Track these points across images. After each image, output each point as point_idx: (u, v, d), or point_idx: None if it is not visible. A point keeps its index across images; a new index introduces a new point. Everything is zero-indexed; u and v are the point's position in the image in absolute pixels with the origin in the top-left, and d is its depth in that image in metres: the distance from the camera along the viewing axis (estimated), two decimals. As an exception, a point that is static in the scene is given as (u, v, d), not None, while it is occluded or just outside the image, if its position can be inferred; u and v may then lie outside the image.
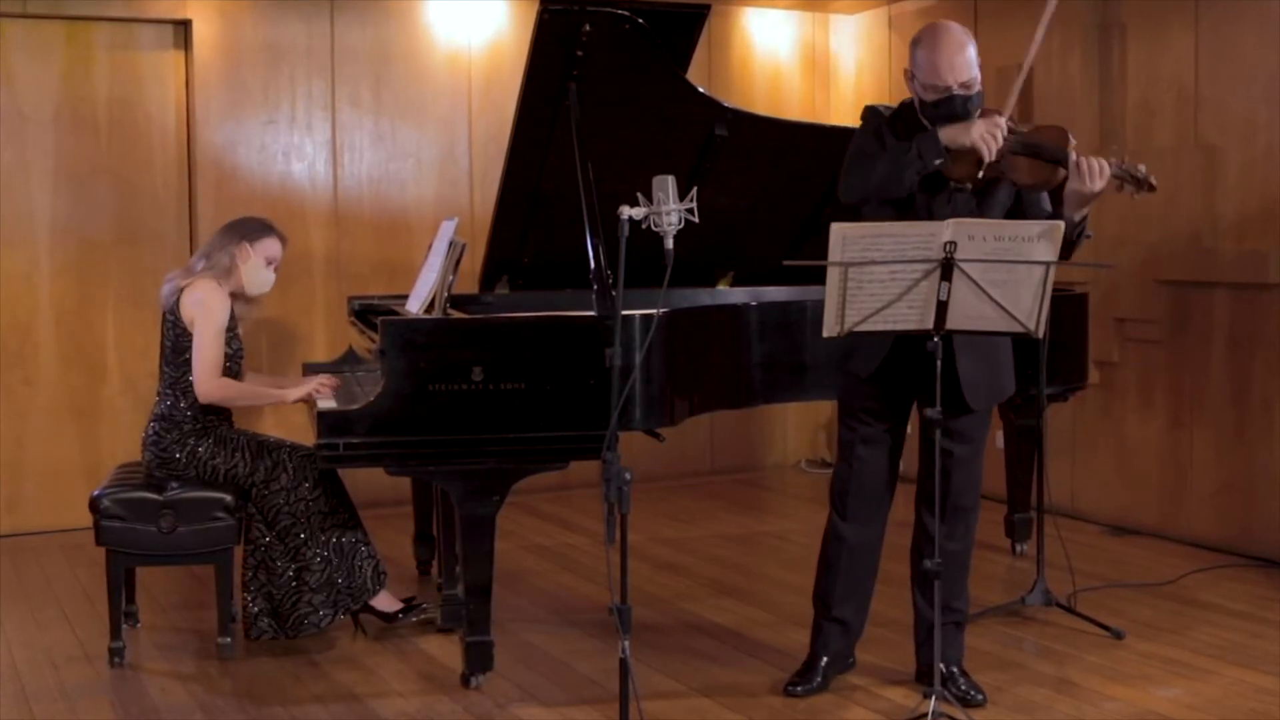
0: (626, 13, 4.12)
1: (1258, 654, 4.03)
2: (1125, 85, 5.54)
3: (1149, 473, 5.51)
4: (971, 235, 3.19)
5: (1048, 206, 3.49)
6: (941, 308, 3.24)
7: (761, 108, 6.28)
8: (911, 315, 3.27)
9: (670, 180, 3.03)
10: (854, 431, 3.66)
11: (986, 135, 3.31)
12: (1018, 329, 3.27)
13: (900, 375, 3.55)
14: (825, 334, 3.30)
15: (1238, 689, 3.75)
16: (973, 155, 3.37)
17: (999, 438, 5.43)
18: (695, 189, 3.06)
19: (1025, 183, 3.43)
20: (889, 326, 3.29)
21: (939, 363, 3.29)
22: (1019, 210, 3.49)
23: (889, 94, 6.53)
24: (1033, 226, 3.22)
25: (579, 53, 4.10)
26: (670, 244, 3.02)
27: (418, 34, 6.18)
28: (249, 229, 4.23)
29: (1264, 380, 5.06)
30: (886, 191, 3.42)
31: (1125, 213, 5.49)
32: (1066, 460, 5.75)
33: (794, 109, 6.94)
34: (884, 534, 3.74)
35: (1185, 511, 5.37)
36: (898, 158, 3.39)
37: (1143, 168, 3.41)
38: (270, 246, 4.23)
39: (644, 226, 3.03)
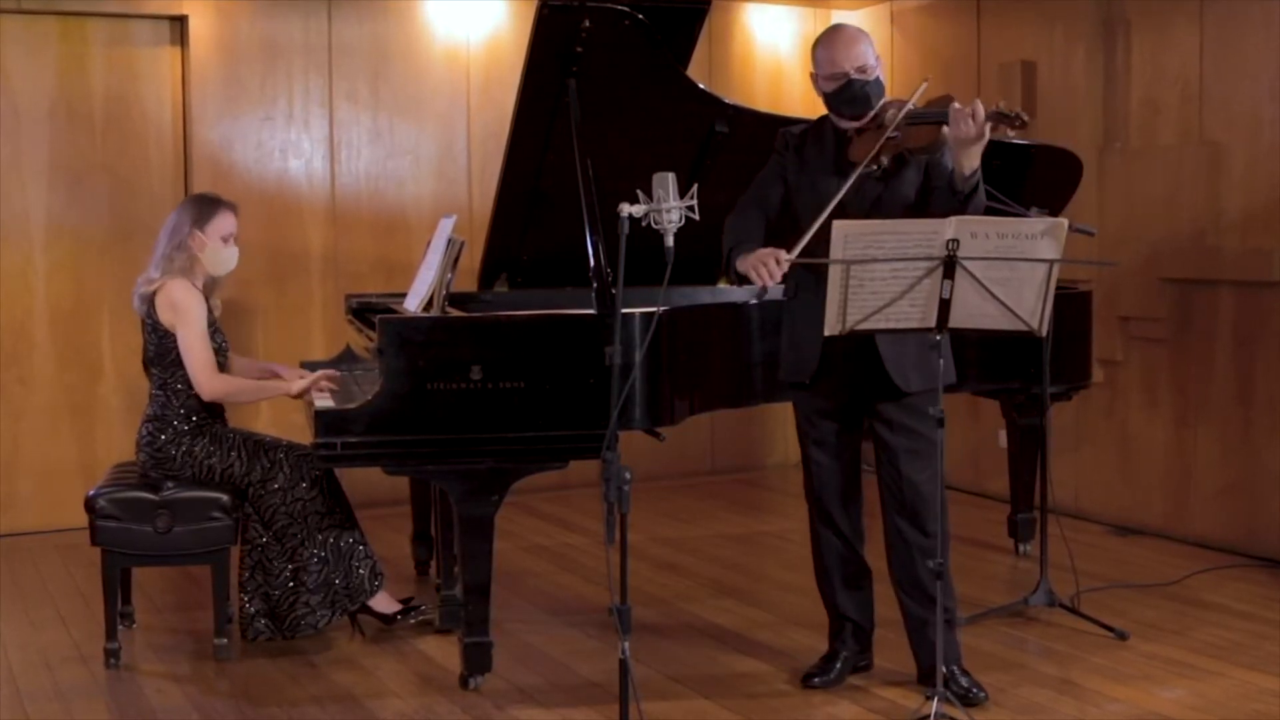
0: (626, 9, 4.10)
1: (1262, 655, 4.01)
2: (1129, 82, 5.52)
3: (1153, 472, 5.48)
4: (974, 233, 3.20)
5: (949, 164, 3.51)
6: (944, 306, 3.24)
7: (762, 104, 6.25)
8: (914, 313, 3.27)
9: (670, 177, 3.02)
10: (806, 435, 3.76)
11: (758, 264, 3.44)
12: (1021, 327, 3.27)
13: (837, 376, 3.62)
14: (827, 332, 3.31)
15: (1242, 690, 3.73)
16: (867, 138, 3.52)
17: (1001, 436, 5.41)
18: (696, 186, 3.05)
19: (917, 146, 3.50)
20: (891, 325, 3.29)
21: (941, 361, 3.31)
22: (927, 185, 3.56)
23: (890, 90, 6.48)
24: (1036, 224, 3.23)
25: (578, 49, 4.08)
26: (670, 241, 3.01)
27: (416, 30, 6.15)
28: (197, 213, 4.11)
29: (1269, 379, 5.04)
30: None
31: (1129, 210, 5.47)
32: (1070, 459, 5.72)
33: (795, 105, 6.90)
34: (862, 532, 3.80)
35: (1190, 511, 5.34)
36: (730, 235, 3.63)
37: (1015, 108, 3.40)
38: (223, 224, 4.13)
39: (644, 224, 3.02)
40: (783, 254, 3.42)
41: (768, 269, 3.41)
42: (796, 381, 3.71)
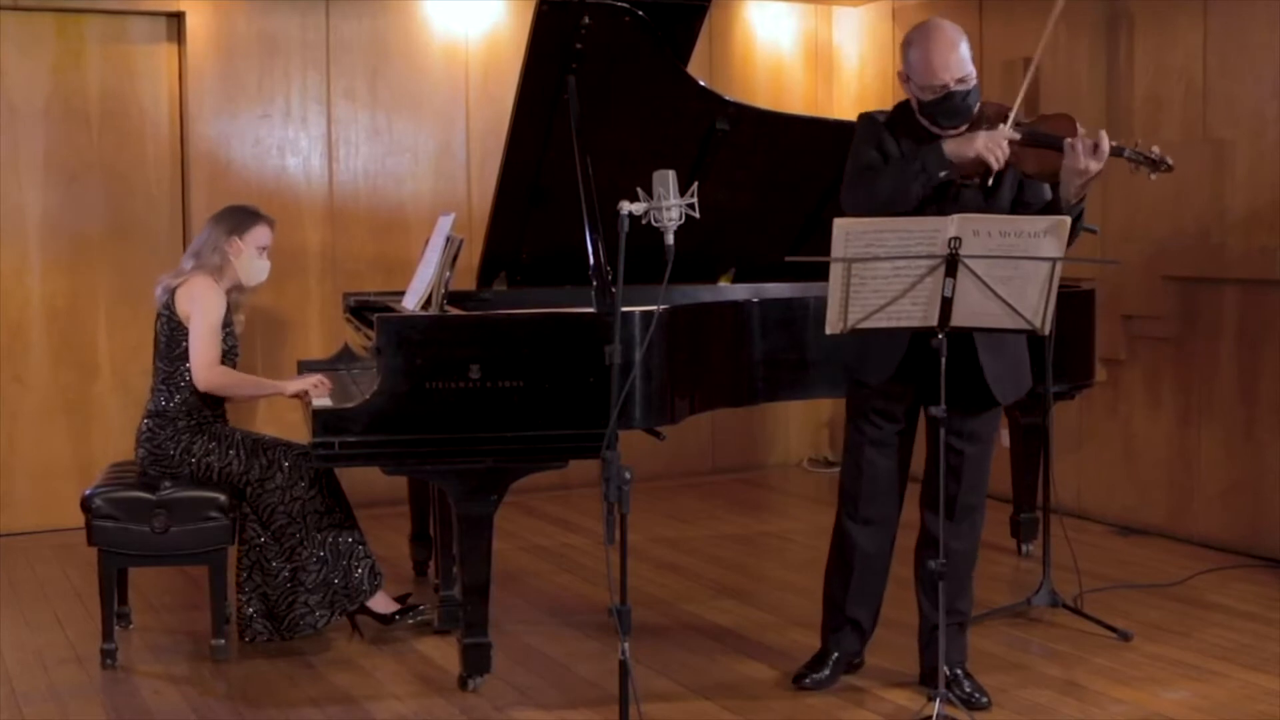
0: (626, 5, 4.08)
1: (1266, 656, 3.98)
2: (1133, 78, 5.49)
3: (1156, 472, 5.46)
4: (976, 231, 3.18)
5: (1047, 195, 3.47)
6: (946, 304, 3.23)
7: (763, 101, 6.23)
8: (915, 312, 3.25)
9: (671, 175, 3.00)
10: (862, 434, 3.64)
11: (992, 146, 3.30)
12: (1024, 326, 3.26)
13: (913, 377, 3.53)
14: (828, 331, 3.29)
15: (1246, 691, 3.71)
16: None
17: (1004, 436, 5.38)
18: (696, 184, 3.03)
19: (1033, 172, 3.41)
20: (892, 323, 3.27)
21: (943, 360, 3.28)
22: (1021, 200, 3.49)
23: (892, 88, 6.47)
24: (1038, 222, 3.21)
25: (578, 45, 4.06)
26: (671, 239, 2.99)
27: (414, 26, 6.12)
28: (236, 221, 4.18)
29: (1273, 378, 5.01)
30: (894, 206, 3.38)
31: (1132, 208, 5.44)
32: (1073, 459, 5.70)
33: (796, 103, 6.88)
34: (895, 536, 3.73)
35: (1193, 511, 5.32)
36: (902, 171, 3.39)
37: (1156, 149, 3.38)
38: (260, 235, 4.19)
39: (644, 222, 2.99)
40: (1003, 139, 3.28)
41: (1002, 151, 3.27)
42: (865, 380, 3.57)
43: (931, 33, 3.40)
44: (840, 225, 3.20)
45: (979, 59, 6.52)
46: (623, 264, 3.02)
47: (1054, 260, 3.18)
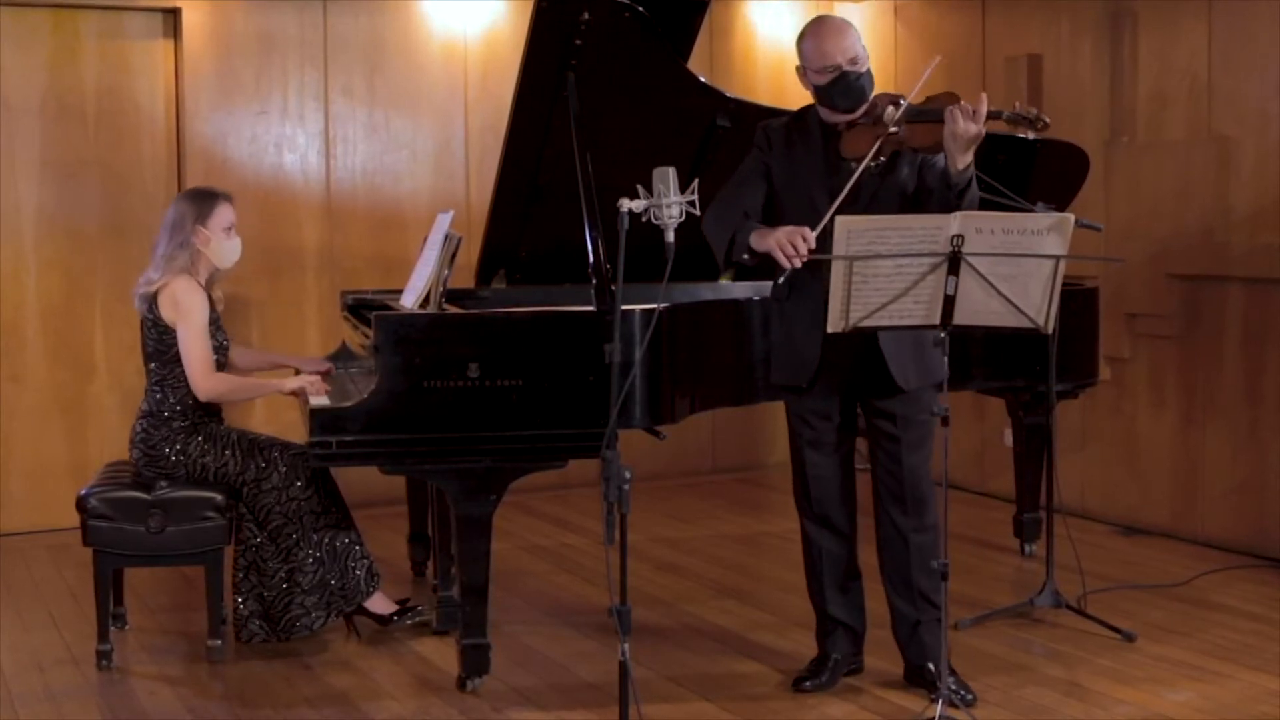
0: (626, 1, 4.05)
1: (1271, 656, 3.97)
2: (1137, 75, 5.47)
3: (1160, 471, 5.43)
4: (979, 228, 3.18)
5: (942, 163, 3.49)
6: (949, 302, 3.22)
7: (764, 98, 6.17)
8: (918, 310, 3.25)
9: (671, 172, 2.99)
10: (800, 437, 3.68)
11: (785, 241, 3.33)
12: (1026, 324, 3.25)
13: (838, 375, 3.56)
14: (830, 330, 3.29)
15: (1251, 692, 3.69)
16: (860, 132, 3.48)
17: (1007, 435, 5.36)
18: (697, 181, 3.02)
19: (922, 145, 3.46)
20: (894, 322, 3.27)
21: (945, 358, 3.27)
22: (924, 185, 3.51)
23: (893, 86, 6.45)
24: (1041, 220, 3.21)
25: (577, 42, 4.04)
26: (671, 237, 2.98)
27: (413, 23, 6.09)
28: (196, 209, 4.07)
29: (1278, 376, 4.98)
30: (711, 242, 3.56)
31: (1136, 206, 5.42)
32: (1076, 459, 5.68)
33: (797, 100, 6.79)
34: (855, 533, 3.75)
35: (1198, 511, 5.29)
36: (731, 227, 3.51)
37: (1033, 109, 3.41)
38: (222, 215, 4.10)
39: (644, 219, 2.98)
40: (808, 232, 3.32)
41: (794, 247, 3.31)
42: (793, 385, 3.64)
43: (821, 22, 3.63)
44: (842, 223, 3.19)
45: (981, 55, 6.53)
46: (622, 262, 3.01)
47: (1057, 258, 3.16)
